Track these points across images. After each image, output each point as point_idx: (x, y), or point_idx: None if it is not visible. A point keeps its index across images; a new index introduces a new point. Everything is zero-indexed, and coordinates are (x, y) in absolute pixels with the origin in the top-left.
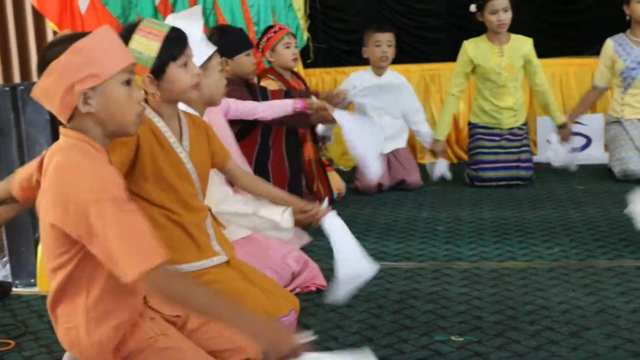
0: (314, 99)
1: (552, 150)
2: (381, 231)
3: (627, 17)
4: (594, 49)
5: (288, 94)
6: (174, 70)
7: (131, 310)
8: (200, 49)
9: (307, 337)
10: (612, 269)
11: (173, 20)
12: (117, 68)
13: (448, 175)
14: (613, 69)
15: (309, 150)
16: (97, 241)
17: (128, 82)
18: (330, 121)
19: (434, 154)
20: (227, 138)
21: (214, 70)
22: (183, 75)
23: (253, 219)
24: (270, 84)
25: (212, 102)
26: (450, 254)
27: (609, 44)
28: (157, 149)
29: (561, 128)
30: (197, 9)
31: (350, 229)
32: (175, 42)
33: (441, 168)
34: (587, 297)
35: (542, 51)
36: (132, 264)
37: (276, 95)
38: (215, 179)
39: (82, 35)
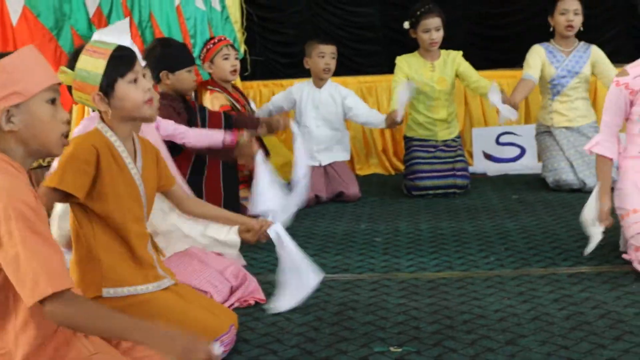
0: (244, 134)
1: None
2: (320, 243)
3: (551, 29)
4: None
5: (228, 118)
6: (122, 86)
7: (63, 330)
8: None
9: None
10: (545, 277)
11: (99, 36)
12: (40, 86)
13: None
14: (543, 73)
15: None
16: (4, 258)
17: (53, 101)
18: (252, 158)
19: (393, 123)
20: (162, 153)
21: None
22: (133, 92)
23: (200, 239)
24: (216, 96)
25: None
26: (388, 265)
27: (540, 49)
28: (114, 167)
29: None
30: (124, 23)
31: None
32: (122, 59)
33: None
34: (522, 305)
35: (476, 64)
36: (34, 288)
37: (215, 117)
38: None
39: (6, 54)
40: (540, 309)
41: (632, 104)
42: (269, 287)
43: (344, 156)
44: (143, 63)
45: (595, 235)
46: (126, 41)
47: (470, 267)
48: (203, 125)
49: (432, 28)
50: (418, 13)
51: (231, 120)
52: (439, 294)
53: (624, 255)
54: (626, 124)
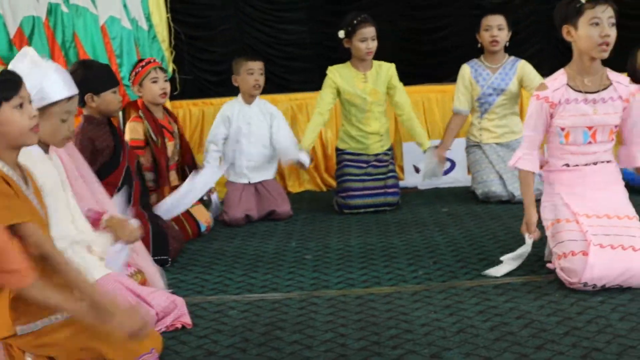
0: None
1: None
2: (249, 263)
3: (479, 45)
4: (454, 76)
5: (139, 165)
6: (7, 111)
7: None
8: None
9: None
10: (472, 289)
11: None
12: None
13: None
14: (470, 93)
15: (169, 190)
16: None
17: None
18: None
19: (300, 165)
20: (87, 176)
21: (52, 116)
22: (18, 117)
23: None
24: (134, 128)
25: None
26: (317, 283)
27: (466, 69)
28: (21, 194)
29: (428, 150)
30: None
31: (217, 263)
32: (7, 83)
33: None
34: (448, 318)
35: (406, 79)
36: None
37: (131, 155)
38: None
39: None
40: (466, 321)
41: (552, 116)
42: (197, 309)
43: (273, 174)
44: (34, 90)
45: (524, 247)
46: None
47: (399, 281)
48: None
49: (369, 37)
50: (355, 22)
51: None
52: (367, 309)
53: (548, 265)
54: (547, 137)
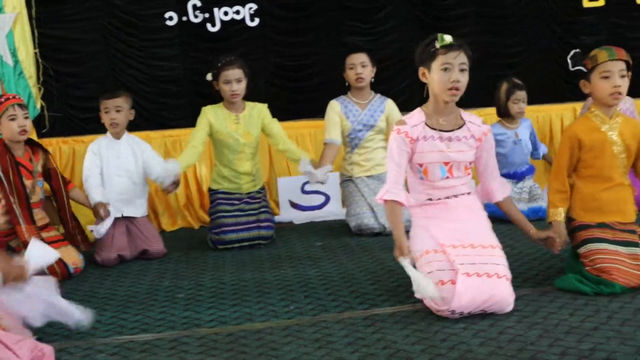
0: None
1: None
2: (120, 303)
3: (347, 84)
4: (325, 112)
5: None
6: None
7: None
8: None
9: None
10: (342, 321)
11: None
12: None
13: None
14: (341, 128)
15: (30, 230)
16: None
17: None
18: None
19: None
20: None
21: None
22: None
23: None
24: None
25: None
26: (189, 321)
27: (336, 104)
28: None
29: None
30: None
31: (88, 304)
32: None
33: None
34: (317, 351)
35: (278, 115)
36: None
37: None
38: None
39: None
40: (334, 354)
41: (412, 151)
42: (64, 355)
43: (144, 211)
44: None
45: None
46: None
47: (270, 317)
48: None
49: (233, 79)
50: (219, 65)
51: None
52: (237, 347)
53: (416, 294)
54: (408, 174)
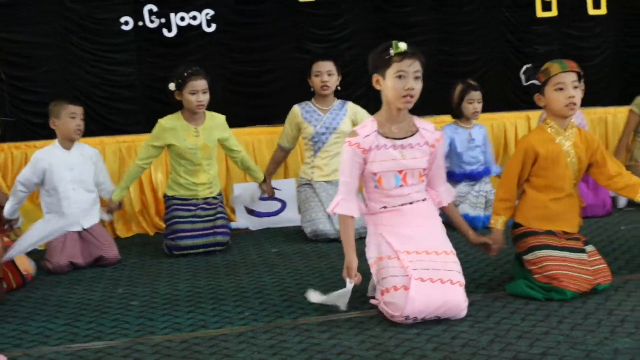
0: None
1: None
2: (73, 311)
3: (311, 89)
4: (282, 118)
5: None
6: None
7: None
8: None
9: None
10: (296, 327)
11: None
12: None
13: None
14: (301, 133)
15: None
16: None
17: None
18: None
19: (110, 210)
20: None
21: None
22: None
23: None
24: None
25: None
26: (142, 329)
27: (297, 110)
28: None
29: (262, 183)
30: None
31: (38, 313)
32: None
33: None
34: (271, 358)
35: (235, 122)
36: None
37: None
38: None
39: None
40: None
41: (365, 162)
42: None
43: (98, 218)
44: None
45: (344, 290)
46: None
47: (225, 323)
48: None
49: (200, 90)
50: (185, 75)
51: None
52: (191, 354)
53: (371, 300)
54: (363, 182)
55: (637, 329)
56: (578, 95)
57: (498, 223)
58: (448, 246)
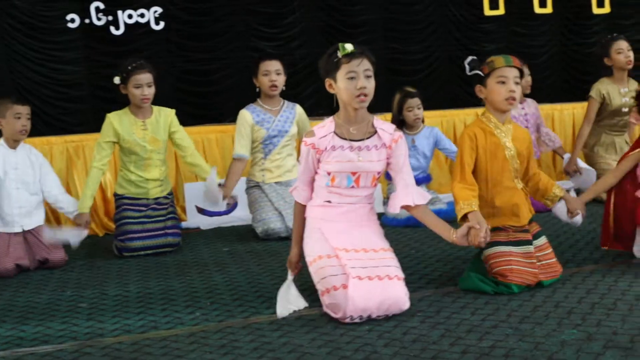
0: None
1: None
2: (19, 315)
3: (257, 89)
4: (233, 117)
5: None
6: None
7: None
8: None
9: None
10: (248, 327)
11: None
12: None
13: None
14: (253, 137)
15: None
16: None
17: None
18: None
19: (79, 224)
20: None
21: None
22: None
23: None
24: None
25: None
26: (92, 332)
27: (247, 114)
28: None
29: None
30: None
31: None
32: None
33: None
34: (223, 357)
35: (185, 120)
36: None
37: None
38: None
39: None
40: (239, 359)
41: (319, 161)
42: None
43: (42, 219)
44: None
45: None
46: None
47: (176, 324)
48: None
49: (144, 84)
50: (129, 68)
51: None
52: (141, 355)
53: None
54: (316, 177)
55: (584, 320)
56: (518, 90)
57: (469, 206)
58: (385, 244)
